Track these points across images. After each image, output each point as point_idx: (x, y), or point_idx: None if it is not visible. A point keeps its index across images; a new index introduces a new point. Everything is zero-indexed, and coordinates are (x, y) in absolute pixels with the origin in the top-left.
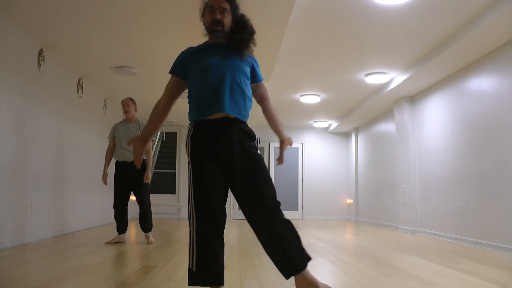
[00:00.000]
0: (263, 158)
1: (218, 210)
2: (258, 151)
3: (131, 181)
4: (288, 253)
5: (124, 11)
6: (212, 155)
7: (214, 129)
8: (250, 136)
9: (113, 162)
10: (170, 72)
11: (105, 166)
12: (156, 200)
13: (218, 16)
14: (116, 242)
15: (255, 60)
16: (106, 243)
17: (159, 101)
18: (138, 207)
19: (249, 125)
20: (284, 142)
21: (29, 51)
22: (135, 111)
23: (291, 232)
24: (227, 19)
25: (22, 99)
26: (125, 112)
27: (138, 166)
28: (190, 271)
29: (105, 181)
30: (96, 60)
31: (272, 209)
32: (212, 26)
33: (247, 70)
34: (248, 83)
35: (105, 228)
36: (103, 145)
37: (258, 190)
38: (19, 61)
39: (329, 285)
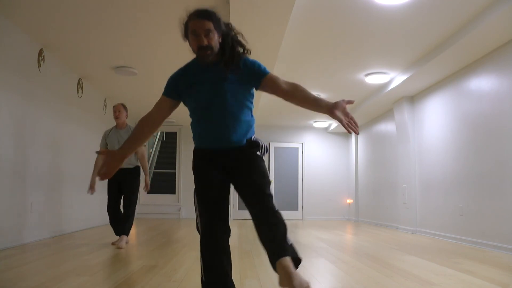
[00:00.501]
0: (261, 158)
1: (222, 221)
2: (258, 153)
3: (123, 186)
4: (271, 241)
5: (124, 11)
6: (213, 165)
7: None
8: (251, 145)
9: None
10: (163, 94)
11: (93, 175)
12: (156, 200)
13: (205, 42)
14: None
15: (249, 64)
16: (112, 244)
17: (149, 115)
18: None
19: None
20: (333, 113)
21: (29, 51)
22: (126, 118)
23: (277, 222)
24: (214, 40)
25: (22, 99)
26: (116, 118)
27: (102, 179)
28: (201, 280)
29: (92, 191)
30: (96, 60)
31: (262, 200)
32: (200, 52)
33: (243, 87)
34: (245, 100)
35: (105, 228)
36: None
37: (250, 184)
38: (19, 61)
39: (330, 285)
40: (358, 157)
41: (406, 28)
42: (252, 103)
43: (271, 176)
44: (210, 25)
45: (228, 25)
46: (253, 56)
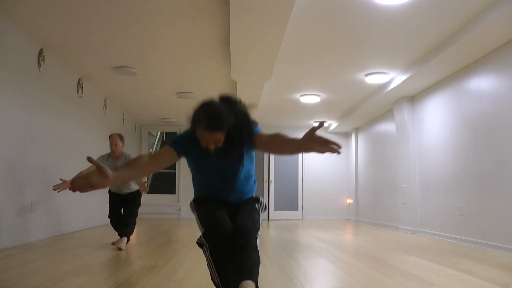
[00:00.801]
0: (257, 210)
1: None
2: (256, 205)
3: (124, 202)
4: (242, 264)
5: (124, 11)
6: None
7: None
8: (251, 199)
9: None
10: (170, 146)
11: (71, 179)
12: (156, 200)
13: (212, 148)
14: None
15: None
16: (113, 243)
17: (150, 159)
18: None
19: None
20: (305, 148)
21: (29, 51)
22: (123, 147)
23: (253, 252)
24: (222, 141)
25: (22, 99)
26: (112, 150)
27: (74, 191)
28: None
29: (58, 187)
30: (96, 60)
31: (245, 234)
32: (207, 150)
33: (247, 160)
34: (249, 171)
35: (105, 228)
36: (103, 145)
37: (237, 220)
38: (19, 61)
39: (330, 284)
40: (358, 157)
41: (406, 28)
42: (254, 169)
43: (271, 176)
44: (220, 135)
45: (236, 108)
46: (253, 56)
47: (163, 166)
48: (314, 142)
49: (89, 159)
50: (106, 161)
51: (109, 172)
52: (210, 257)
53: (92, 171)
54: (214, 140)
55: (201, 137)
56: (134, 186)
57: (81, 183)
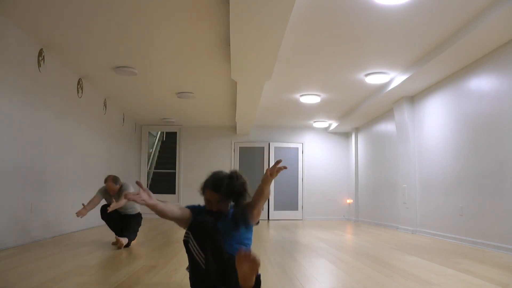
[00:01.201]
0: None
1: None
2: None
3: (124, 218)
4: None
5: (124, 11)
6: None
7: None
8: None
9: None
10: (189, 208)
11: (87, 206)
12: None
13: (214, 209)
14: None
15: None
16: (113, 243)
17: (177, 211)
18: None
19: (252, 125)
20: (267, 181)
21: (29, 51)
22: (119, 186)
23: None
24: (224, 206)
25: (22, 99)
26: (109, 194)
27: (130, 199)
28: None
29: (80, 214)
30: (96, 60)
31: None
32: (211, 212)
33: (243, 229)
34: (248, 237)
35: (105, 228)
36: (103, 145)
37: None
38: (19, 61)
39: (330, 285)
40: (358, 157)
41: (406, 28)
42: (251, 239)
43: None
44: (220, 196)
45: (238, 181)
46: (253, 56)
47: (182, 217)
48: (268, 173)
49: (138, 183)
50: (106, 193)
51: (153, 196)
52: (194, 241)
53: (141, 192)
54: (216, 199)
55: (207, 197)
56: (137, 207)
57: (134, 196)
